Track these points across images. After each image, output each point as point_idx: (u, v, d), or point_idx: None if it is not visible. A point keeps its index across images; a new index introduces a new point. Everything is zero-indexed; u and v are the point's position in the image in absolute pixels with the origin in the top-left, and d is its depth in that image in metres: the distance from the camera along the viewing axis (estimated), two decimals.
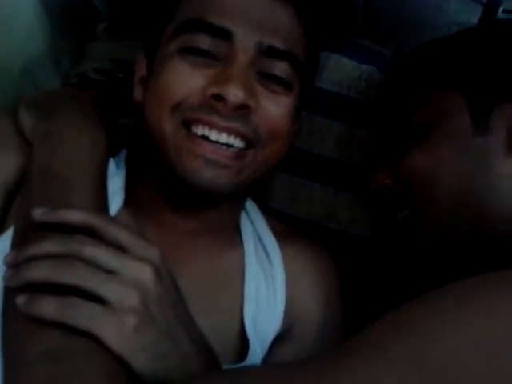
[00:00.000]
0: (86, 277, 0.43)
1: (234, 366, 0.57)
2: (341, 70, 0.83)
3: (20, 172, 0.58)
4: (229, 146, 0.58)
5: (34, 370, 0.41)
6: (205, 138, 0.57)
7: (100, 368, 0.42)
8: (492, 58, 0.60)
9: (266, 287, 0.64)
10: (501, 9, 0.82)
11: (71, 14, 0.91)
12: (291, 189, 0.80)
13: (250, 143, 0.59)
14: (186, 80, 0.57)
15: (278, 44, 0.59)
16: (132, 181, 0.64)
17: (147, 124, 0.61)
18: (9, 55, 0.81)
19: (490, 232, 0.56)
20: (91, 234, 0.46)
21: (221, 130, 0.57)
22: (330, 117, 0.81)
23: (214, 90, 0.56)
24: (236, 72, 0.56)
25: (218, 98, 0.56)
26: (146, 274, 0.45)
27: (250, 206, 0.72)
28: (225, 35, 0.57)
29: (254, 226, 0.70)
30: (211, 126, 0.57)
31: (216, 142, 0.57)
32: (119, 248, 0.46)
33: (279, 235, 0.69)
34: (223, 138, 0.57)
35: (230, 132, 0.57)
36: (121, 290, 0.44)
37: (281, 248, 0.67)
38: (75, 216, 0.47)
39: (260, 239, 0.68)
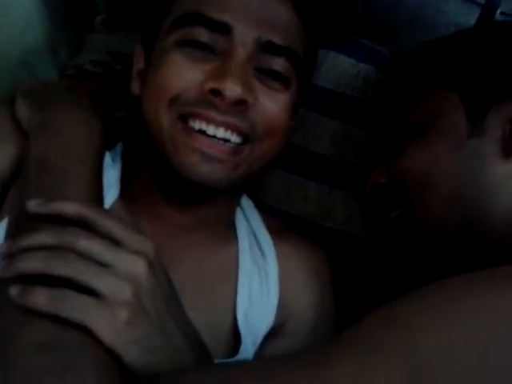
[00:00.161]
0: (79, 269, 0.43)
1: (225, 361, 0.58)
2: (338, 68, 0.82)
3: (15, 163, 0.58)
4: (226, 140, 0.58)
5: (27, 361, 0.41)
6: (202, 132, 0.57)
7: (92, 360, 0.42)
8: (489, 60, 0.60)
9: (259, 283, 0.64)
10: (498, 11, 0.82)
11: (70, 6, 0.91)
12: (286, 186, 0.80)
13: (246, 138, 0.59)
14: (184, 74, 0.57)
15: (277, 39, 0.59)
16: (128, 174, 0.64)
17: (144, 118, 0.61)
18: (7, 44, 0.81)
19: (481, 233, 0.56)
20: (86, 226, 0.46)
21: (218, 124, 0.57)
22: (326, 114, 0.81)
23: (211, 84, 0.56)
24: (234, 67, 0.56)
25: (216, 92, 0.56)
26: (139, 267, 0.45)
27: (246, 202, 0.72)
28: (224, 29, 0.57)
29: (249, 222, 0.70)
30: (208, 120, 0.57)
31: (213, 137, 0.57)
32: (113, 241, 0.46)
33: (274, 232, 0.69)
34: (220, 132, 0.57)
35: (227, 127, 0.57)
36: (114, 282, 0.44)
37: (275, 245, 0.67)
38: (70, 208, 0.47)
39: (255, 236, 0.68)
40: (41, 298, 0.42)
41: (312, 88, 0.78)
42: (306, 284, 0.67)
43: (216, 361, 0.53)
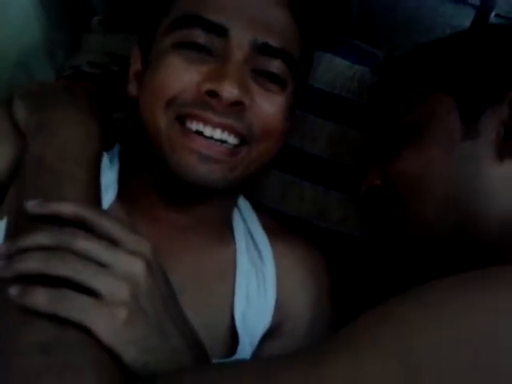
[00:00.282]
0: (77, 269, 0.43)
1: (223, 361, 0.58)
2: (334, 70, 0.83)
3: (13, 163, 0.58)
4: (223, 142, 0.58)
5: (26, 360, 0.41)
6: (199, 133, 0.57)
7: (91, 359, 0.42)
8: (484, 62, 0.60)
9: (256, 284, 0.65)
10: (493, 13, 0.83)
11: (67, 6, 0.91)
12: (282, 186, 0.81)
13: (243, 140, 0.59)
14: (181, 75, 0.57)
15: (273, 42, 0.59)
16: (125, 175, 0.65)
17: (141, 119, 0.61)
18: (4, 44, 0.81)
19: (475, 235, 0.56)
20: (84, 226, 0.47)
21: (215, 126, 0.57)
22: (322, 116, 0.82)
23: (208, 86, 0.56)
24: (231, 69, 0.57)
25: (213, 94, 0.56)
26: (137, 267, 0.45)
27: (243, 203, 0.72)
28: (220, 31, 0.58)
29: (246, 223, 0.70)
30: (205, 121, 0.57)
31: (210, 138, 0.57)
32: (111, 241, 0.46)
33: (271, 233, 0.69)
34: (217, 134, 0.58)
35: (224, 128, 0.58)
36: (112, 282, 0.44)
37: (272, 245, 0.68)
38: (68, 208, 0.47)
39: (252, 236, 0.69)
40: (40, 298, 0.42)
41: (308, 90, 0.78)
42: (303, 284, 0.67)
43: (214, 361, 0.53)
